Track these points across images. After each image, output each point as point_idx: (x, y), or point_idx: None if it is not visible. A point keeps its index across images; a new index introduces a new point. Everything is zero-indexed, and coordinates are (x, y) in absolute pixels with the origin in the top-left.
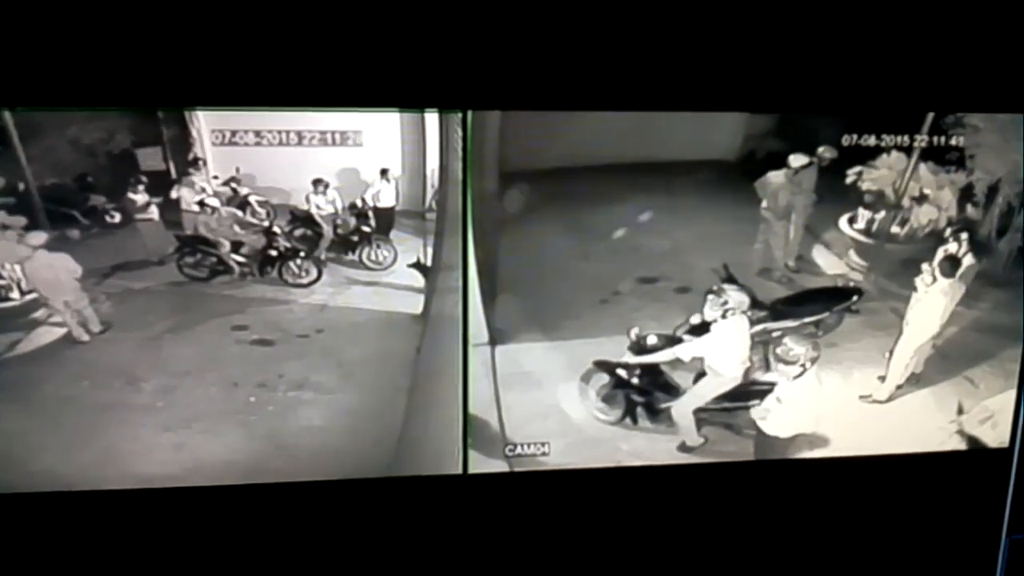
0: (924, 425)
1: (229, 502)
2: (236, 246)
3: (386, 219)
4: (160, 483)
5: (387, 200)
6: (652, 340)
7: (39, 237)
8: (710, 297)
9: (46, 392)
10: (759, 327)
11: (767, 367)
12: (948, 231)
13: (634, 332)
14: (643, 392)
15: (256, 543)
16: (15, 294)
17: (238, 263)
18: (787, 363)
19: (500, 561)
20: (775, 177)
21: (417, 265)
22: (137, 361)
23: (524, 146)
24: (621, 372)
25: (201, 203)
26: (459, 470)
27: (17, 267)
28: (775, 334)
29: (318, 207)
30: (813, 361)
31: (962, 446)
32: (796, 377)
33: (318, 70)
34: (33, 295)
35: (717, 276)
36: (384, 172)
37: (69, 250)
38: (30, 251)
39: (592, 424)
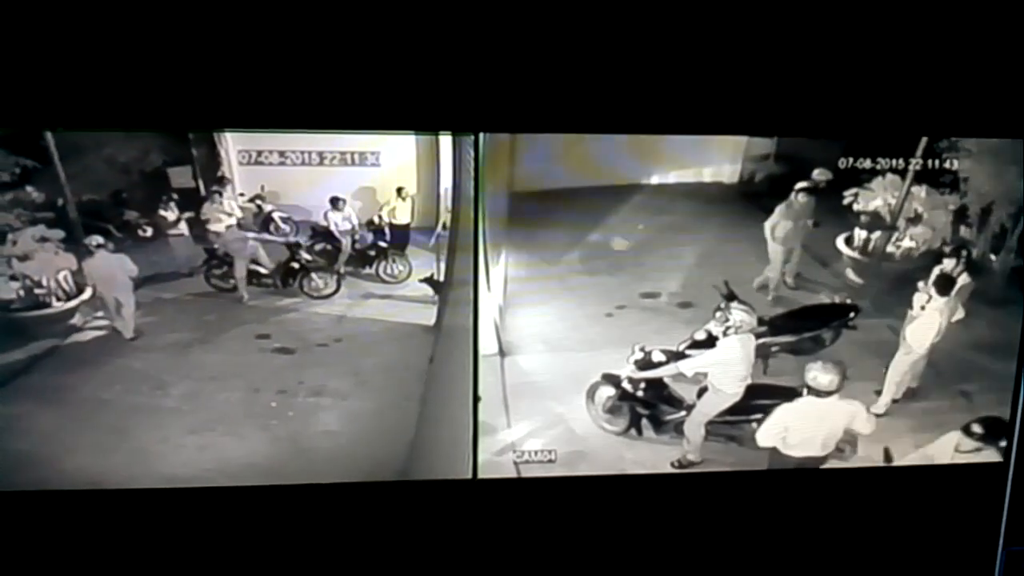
0: (921, 438)
1: (249, 502)
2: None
3: (402, 235)
4: (185, 483)
5: (403, 217)
6: (657, 356)
7: (100, 239)
8: (716, 315)
9: (80, 395)
10: (759, 341)
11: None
12: (944, 251)
13: (639, 347)
14: (648, 405)
15: (274, 542)
16: (55, 302)
17: (258, 278)
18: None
19: (507, 563)
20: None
21: (429, 280)
22: (165, 367)
23: (533, 167)
24: (626, 386)
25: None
26: (469, 475)
27: (64, 273)
28: (773, 348)
29: (336, 223)
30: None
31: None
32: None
33: (339, 95)
34: (71, 303)
35: (718, 293)
36: (400, 191)
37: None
38: (93, 251)
39: (597, 434)
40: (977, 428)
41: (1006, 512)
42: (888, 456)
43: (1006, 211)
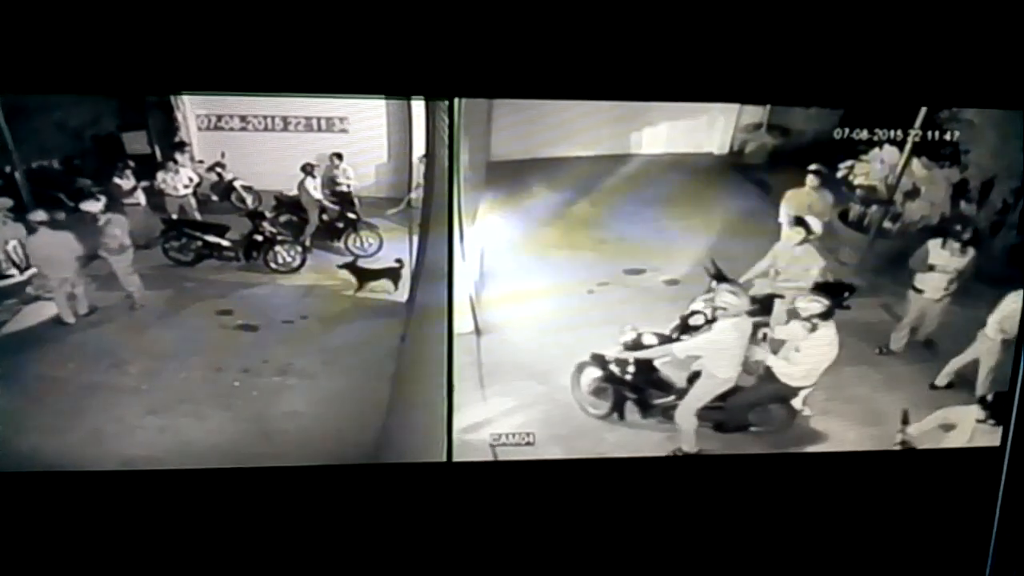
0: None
1: (213, 485)
2: None
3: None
4: (144, 465)
5: (343, 184)
6: (648, 339)
7: (42, 215)
8: (704, 296)
9: (32, 373)
10: (754, 320)
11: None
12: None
13: (630, 328)
14: (635, 388)
15: (238, 527)
16: (4, 274)
17: (219, 251)
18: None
19: (483, 549)
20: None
21: (349, 267)
22: (122, 344)
23: (511, 135)
24: (614, 368)
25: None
26: (443, 458)
27: (11, 245)
28: (765, 331)
29: (312, 190)
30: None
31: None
32: (811, 331)
33: (305, 56)
34: (21, 276)
35: (706, 273)
36: (332, 156)
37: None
38: (34, 228)
39: (578, 416)
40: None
41: (1001, 496)
42: (906, 418)
43: (1008, 186)
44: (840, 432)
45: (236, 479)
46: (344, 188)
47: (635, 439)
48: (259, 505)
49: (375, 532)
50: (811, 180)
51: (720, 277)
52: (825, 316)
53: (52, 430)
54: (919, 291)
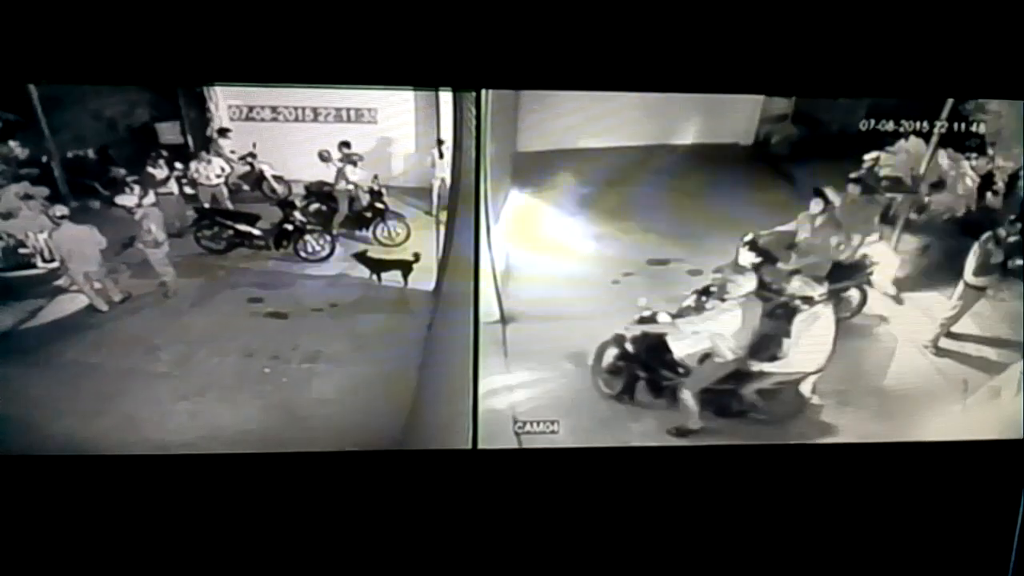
0: (938, 414)
1: (243, 470)
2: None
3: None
4: (176, 450)
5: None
6: (663, 317)
7: (63, 209)
8: (714, 276)
9: (67, 358)
10: (778, 299)
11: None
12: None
13: (643, 301)
14: (647, 367)
15: (268, 511)
16: (39, 262)
17: (250, 239)
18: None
19: (507, 536)
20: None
21: (360, 256)
22: (155, 330)
23: (538, 126)
24: (629, 346)
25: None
26: (468, 445)
27: (42, 236)
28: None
29: (352, 177)
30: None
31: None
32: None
33: (334, 48)
34: (55, 263)
35: (747, 247)
36: (341, 145)
37: (92, 221)
38: (56, 222)
39: (602, 404)
40: None
41: None
42: (966, 387)
43: None
44: (855, 424)
45: (266, 464)
46: (355, 176)
47: (659, 428)
48: (288, 490)
49: (401, 518)
50: (852, 188)
51: (757, 250)
52: (811, 301)
53: (87, 415)
54: (981, 288)
